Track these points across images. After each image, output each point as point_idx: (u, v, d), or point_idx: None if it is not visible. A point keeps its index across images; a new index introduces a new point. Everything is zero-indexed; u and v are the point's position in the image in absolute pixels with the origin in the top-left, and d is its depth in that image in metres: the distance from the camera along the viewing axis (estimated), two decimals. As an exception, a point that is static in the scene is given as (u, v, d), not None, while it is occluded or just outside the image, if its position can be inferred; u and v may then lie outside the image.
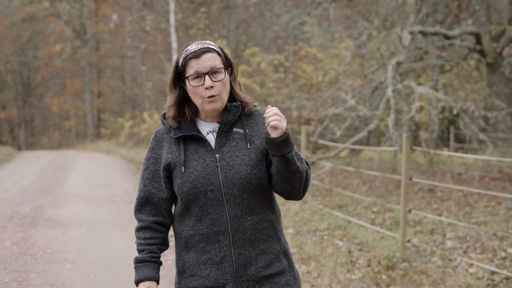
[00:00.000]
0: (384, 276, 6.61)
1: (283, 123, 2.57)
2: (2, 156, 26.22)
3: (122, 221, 10.21)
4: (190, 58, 2.70)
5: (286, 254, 2.85)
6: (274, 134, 2.58)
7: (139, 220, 2.82)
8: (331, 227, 9.25)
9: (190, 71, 2.70)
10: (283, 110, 23.23)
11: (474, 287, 6.00)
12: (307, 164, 2.79)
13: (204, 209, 2.69)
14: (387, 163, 17.39)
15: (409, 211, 7.74)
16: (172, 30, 25.78)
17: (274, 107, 2.58)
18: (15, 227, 9.56)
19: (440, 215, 10.20)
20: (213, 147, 2.74)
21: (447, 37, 14.95)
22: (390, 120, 12.31)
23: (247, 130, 2.78)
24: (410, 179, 7.62)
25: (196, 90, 2.70)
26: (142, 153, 24.71)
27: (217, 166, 2.69)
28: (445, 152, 7.97)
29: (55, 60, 42.86)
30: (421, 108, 12.40)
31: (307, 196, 12.18)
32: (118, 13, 41.78)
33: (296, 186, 2.71)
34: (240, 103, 2.79)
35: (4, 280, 6.60)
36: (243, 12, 31.80)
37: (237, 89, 2.81)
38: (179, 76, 2.76)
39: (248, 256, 2.72)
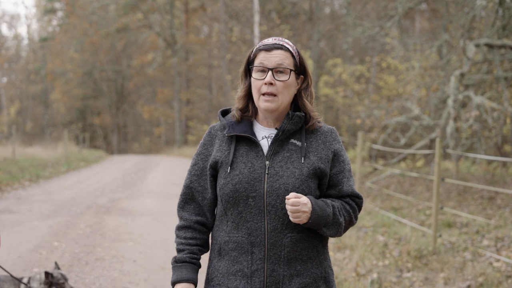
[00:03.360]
0: (409, 264, 7.20)
1: (302, 217, 2.45)
2: (92, 158, 28.01)
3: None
4: (261, 50, 2.58)
5: (326, 281, 2.63)
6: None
7: (181, 218, 2.68)
8: (377, 225, 9.85)
9: (256, 62, 2.58)
10: (354, 118, 23.68)
11: (487, 274, 6.50)
12: (355, 205, 2.67)
13: (243, 216, 2.51)
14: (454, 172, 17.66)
15: (441, 208, 8.33)
16: (257, 41, 26.69)
17: (292, 195, 2.44)
18: (91, 214, 10.73)
19: (490, 219, 10.59)
20: (265, 153, 2.56)
21: (514, 50, 15.13)
22: (449, 128, 12.75)
23: (305, 144, 2.59)
24: (442, 179, 8.19)
25: (256, 83, 2.56)
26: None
27: (265, 174, 2.51)
28: (478, 156, 8.46)
29: (146, 69, 44.57)
30: (476, 117, 12.79)
31: (366, 200, 12.80)
32: (207, 24, 43.21)
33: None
34: (304, 114, 2.61)
35: (75, 251, 7.70)
36: (329, 23, 32.45)
37: (305, 99, 2.63)
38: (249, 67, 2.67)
39: (281, 274, 2.50)
